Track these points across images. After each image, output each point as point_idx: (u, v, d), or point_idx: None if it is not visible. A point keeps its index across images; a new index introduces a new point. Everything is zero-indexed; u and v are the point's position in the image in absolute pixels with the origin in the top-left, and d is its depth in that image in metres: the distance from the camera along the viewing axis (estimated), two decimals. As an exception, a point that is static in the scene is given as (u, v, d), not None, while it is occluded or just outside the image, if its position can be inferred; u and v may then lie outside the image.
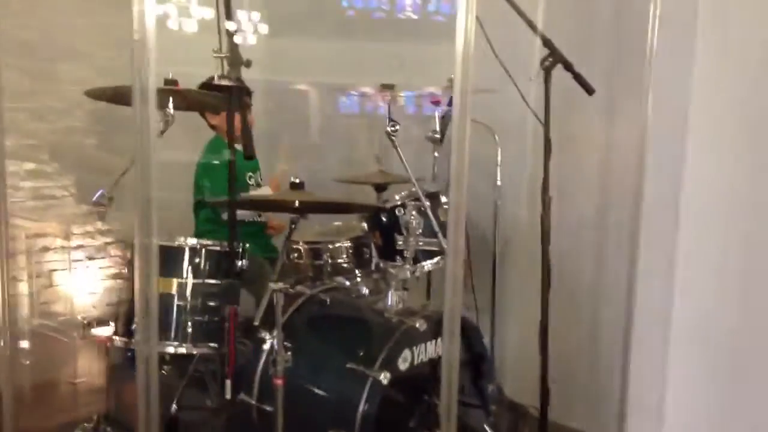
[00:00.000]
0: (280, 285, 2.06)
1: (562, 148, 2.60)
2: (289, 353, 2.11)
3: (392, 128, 2.27)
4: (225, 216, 2.93)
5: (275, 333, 2.30)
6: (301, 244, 2.91)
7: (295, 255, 2.89)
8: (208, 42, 1.83)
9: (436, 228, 2.41)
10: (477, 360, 2.64)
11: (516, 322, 3.30)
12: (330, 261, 2.83)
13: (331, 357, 2.37)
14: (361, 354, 2.27)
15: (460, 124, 1.64)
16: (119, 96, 2.10)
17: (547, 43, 2.39)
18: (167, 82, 2.17)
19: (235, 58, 1.70)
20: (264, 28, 4.08)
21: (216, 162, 3.00)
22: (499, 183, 3.11)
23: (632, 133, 2.67)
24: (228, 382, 2.16)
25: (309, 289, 2.67)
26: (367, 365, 2.22)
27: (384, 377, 2.20)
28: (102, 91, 2.29)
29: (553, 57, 2.37)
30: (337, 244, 2.88)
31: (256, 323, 2.16)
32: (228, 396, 2.18)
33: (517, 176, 3.18)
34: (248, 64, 1.73)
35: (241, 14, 4.04)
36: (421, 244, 2.46)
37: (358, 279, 2.68)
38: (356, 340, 2.39)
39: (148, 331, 1.55)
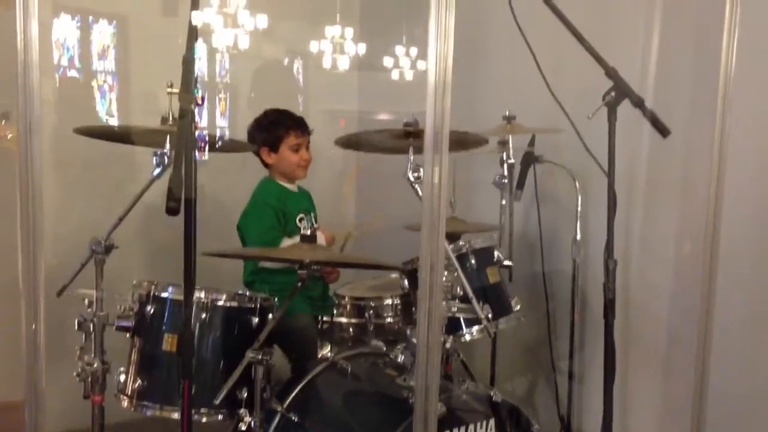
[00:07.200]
0: (256, 356, 1.76)
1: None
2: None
3: (415, 175, 1.93)
4: (266, 264, 2.70)
5: (285, 405, 2.04)
6: (347, 299, 2.65)
7: (339, 311, 2.64)
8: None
9: (470, 293, 2.02)
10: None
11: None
12: (374, 319, 2.56)
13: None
14: (367, 439, 1.93)
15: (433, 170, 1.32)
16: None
17: (610, 73, 1.96)
18: (164, 120, 1.96)
19: (185, 94, 1.45)
20: (422, 65, 3.84)
21: (261, 205, 2.75)
22: (578, 237, 2.67)
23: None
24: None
25: (344, 351, 2.38)
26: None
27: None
28: None
29: (617, 90, 1.94)
30: (386, 302, 2.60)
31: (216, 401, 1.85)
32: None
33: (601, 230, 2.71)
34: (201, 101, 1.47)
35: (398, 50, 3.81)
36: (454, 310, 2.08)
37: (398, 347, 2.36)
38: (365, 421, 2.04)
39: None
